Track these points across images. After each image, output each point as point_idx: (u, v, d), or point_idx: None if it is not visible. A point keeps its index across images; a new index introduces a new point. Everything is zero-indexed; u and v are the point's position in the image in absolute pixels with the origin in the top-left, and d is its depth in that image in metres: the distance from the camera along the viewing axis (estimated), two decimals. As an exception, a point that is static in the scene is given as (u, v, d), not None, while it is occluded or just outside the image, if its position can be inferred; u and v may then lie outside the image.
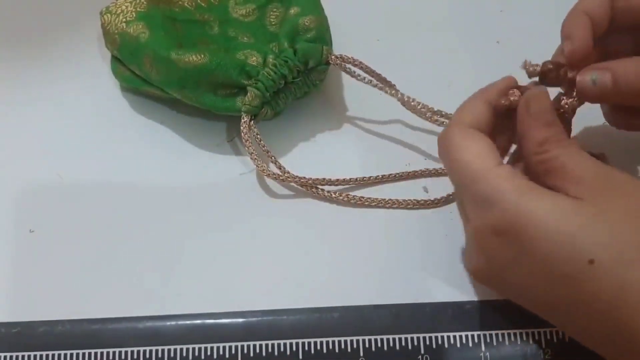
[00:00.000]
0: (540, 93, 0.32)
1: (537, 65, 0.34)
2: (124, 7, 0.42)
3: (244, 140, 0.39)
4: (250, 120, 0.39)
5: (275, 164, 0.40)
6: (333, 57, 0.40)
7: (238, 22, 0.42)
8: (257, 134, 0.39)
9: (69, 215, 0.39)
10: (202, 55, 0.39)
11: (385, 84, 0.40)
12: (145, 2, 0.42)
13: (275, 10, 0.42)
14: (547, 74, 0.33)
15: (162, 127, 0.43)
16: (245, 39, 0.42)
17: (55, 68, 0.45)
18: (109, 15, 0.42)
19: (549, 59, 0.36)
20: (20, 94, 0.44)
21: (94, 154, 0.42)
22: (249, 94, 0.39)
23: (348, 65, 0.40)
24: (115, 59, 0.43)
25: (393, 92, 0.40)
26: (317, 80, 0.41)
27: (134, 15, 0.41)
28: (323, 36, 0.41)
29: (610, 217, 0.29)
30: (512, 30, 0.45)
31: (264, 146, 0.39)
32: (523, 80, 0.35)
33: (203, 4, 0.42)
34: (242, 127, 0.39)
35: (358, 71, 0.40)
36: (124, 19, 0.41)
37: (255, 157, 0.39)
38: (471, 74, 0.43)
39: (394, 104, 0.41)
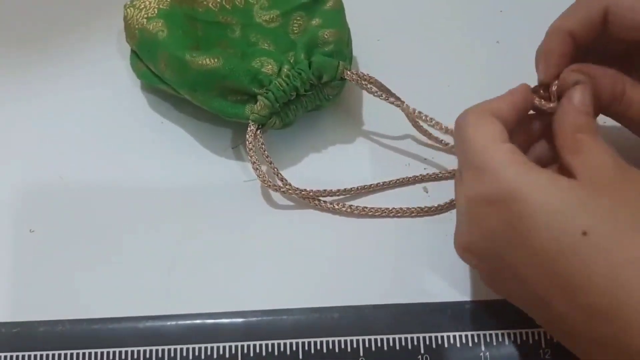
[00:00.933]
0: (585, 86, 0.33)
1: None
2: (147, 3, 0.41)
3: (247, 149, 0.38)
4: (257, 130, 0.39)
5: (277, 175, 0.39)
6: (349, 73, 0.39)
7: (261, 27, 0.42)
8: (262, 144, 0.39)
9: (69, 215, 0.39)
10: (216, 60, 0.38)
11: (400, 102, 0.40)
12: (168, 0, 0.41)
13: (299, 18, 0.42)
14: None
15: (167, 129, 0.43)
16: (265, 45, 0.41)
17: (58, 67, 0.45)
18: (132, 9, 0.41)
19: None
20: (21, 93, 0.44)
21: (94, 154, 0.42)
22: (258, 102, 0.38)
23: (359, 80, 0.40)
24: (135, 54, 0.42)
25: (404, 105, 0.39)
26: (330, 95, 0.40)
27: (156, 12, 0.41)
28: (341, 51, 0.40)
29: (612, 199, 0.29)
30: (512, 30, 0.45)
31: (267, 156, 0.39)
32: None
33: (227, 6, 0.42)
34: (247, 136, 0.38)
35: (374, 88, 0.40)
36: (146, 15, 0.41)
37: (257, 166, 0.38)
38: (471, 74, 0.44)
39: (405, 122, 0.40)
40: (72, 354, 0.35)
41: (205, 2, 0.42)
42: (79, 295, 0.37)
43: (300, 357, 0.35)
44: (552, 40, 0.35)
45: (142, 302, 0.36)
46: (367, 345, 0.35)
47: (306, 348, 0.35)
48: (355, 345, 0.35)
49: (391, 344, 0.35)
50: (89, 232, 0.39)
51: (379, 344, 0.35)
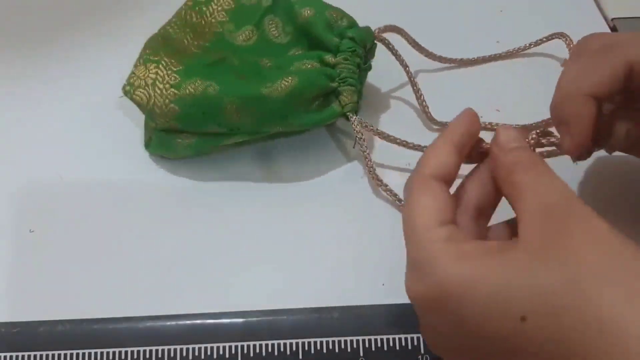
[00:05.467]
0: (505, 126, 0.31)
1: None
2: (152, 75, 0.38)
3: (360, 142, 0.38)
4: (357, 117, 0.39)
5: (370, 168, 0.39)
6: (377, 31, 0.40)
7: (245, 48, 0.41)
8: (371, 125, 0.38)
9: (69, 215, 0.39)
10: (290, 78, 0.37)
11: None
12: (174, 60, 0.39)
13: (271, 22, 0.41)
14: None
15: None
16: (266, 61, 0.40)
17: (58, 68, 0.45)
18: (142, 90, 0.38)
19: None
20: (21, 93, 0.44)
21: (94, 154, 0.42)
22: (344, 93, 0.38)
23: (388, 41, 0.41)
24: (159, 138, 0.40)
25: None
26: (371, 61, 0.41)
27: (178, 77, 0.38)
28: (353, 19, 0.40)
29: (549, 263, 0.26)
30: (512, 30, 0.45)
31: (366, 148, 0.39)
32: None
33: (207, 44, 0.41)
34: (355, 128, 0.38)
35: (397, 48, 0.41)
36: (168, 84, 0.37)
37: (369, 160, 0.38)
38: (471, 74, 0.44)
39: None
40: (72, 354, 0.35)
41: (192, 48, 0.40)
42: (79, 295, 0.37)
43: (300, 357, 0.35)
44: (574, 105, 0.32)
45: (142, 302, 0.36)
46: (367, 345, 0.35)
47: (306, 348, 0.35)
48: (355, 345, 0.35)
49: (391, 344, 0.35)
50: (89, 232, 0.39)
51: (379, 344, 0.35)
